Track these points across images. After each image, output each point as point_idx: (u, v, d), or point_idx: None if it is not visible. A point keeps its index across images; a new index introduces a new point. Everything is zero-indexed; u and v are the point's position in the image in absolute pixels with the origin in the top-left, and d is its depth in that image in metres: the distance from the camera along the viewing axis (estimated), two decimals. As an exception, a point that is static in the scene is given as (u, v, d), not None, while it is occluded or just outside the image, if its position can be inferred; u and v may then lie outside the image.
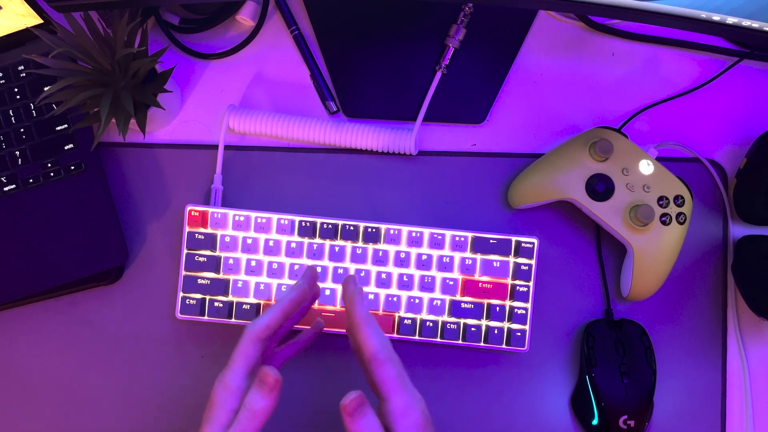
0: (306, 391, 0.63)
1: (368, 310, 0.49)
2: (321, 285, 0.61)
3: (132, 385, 0.63)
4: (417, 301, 0.61)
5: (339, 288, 0.61)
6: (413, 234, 0.61)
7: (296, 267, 0.61)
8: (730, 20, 0.51)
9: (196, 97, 0.67)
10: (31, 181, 0.62)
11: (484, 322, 0.61)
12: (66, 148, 0.63)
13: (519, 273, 0.61)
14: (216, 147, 0.65)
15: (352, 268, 0.61)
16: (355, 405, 0.44)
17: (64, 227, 0.61)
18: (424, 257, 0.61)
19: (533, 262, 0.61)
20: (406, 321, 0.61)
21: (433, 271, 0.61)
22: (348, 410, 0.44)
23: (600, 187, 0.59)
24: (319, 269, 0.61)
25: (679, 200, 0.59)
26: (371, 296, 0.61)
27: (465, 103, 0.66)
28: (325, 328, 0.61)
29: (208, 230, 0.61)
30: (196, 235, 0.61)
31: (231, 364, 0.47)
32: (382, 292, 0.61)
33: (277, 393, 0.45)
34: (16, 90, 0.63)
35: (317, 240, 0.61)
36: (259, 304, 0.61)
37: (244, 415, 0.45)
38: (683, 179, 0.60)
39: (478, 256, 0.61)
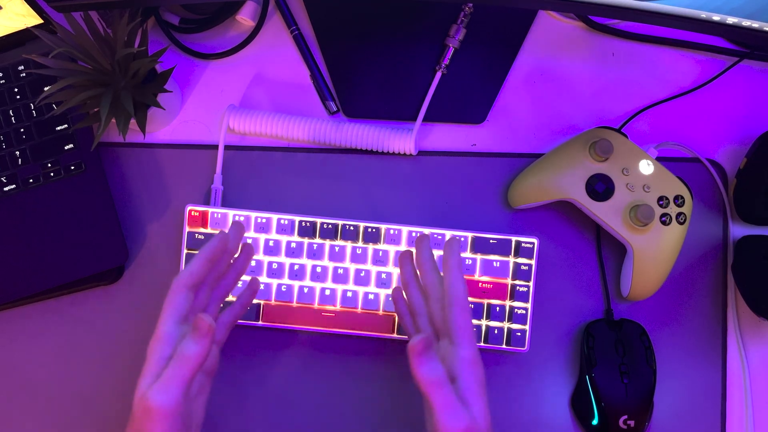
0: (307, 391, 0.63)
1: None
2: (321, 285, 0.61)
3: (132, 385, 0.63)
4: (417, 301, 0.61)
5: (339, 288, 0.61)
6: (413, 234, 0.61)
7: (296, 267, 0.61)
8: (730, 20, 0.51)
9: (196, 97, 0.67)
10: (31, 181, 0.62)
11: (484, 322, 0.61)
12: (66, 148, 0.63)
13: (519, 273, 0.61)
14: (216, 147, 0.65)
15: (352, 268, 0.61)
16: (423, 346, 0.43)
17: (64, 227, 0.61)
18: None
19: (533, 262, 0.61)
20: (406, 321, 0.61)
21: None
22: (416, 350, 0.43)
23: (600, 187, 0.59)
24: (319, 269, 0.61)
25: (679, 200, 0.59)
26: (371, 296, 0.61)
27: (465, 103, 0.66)
28: (325, 328, 0.61)
29: (208, 230, 0.61)
30: (196, 235, 0.61)
31: (160, 316, 0.47)
32: (382, 292, 0.61)
33: (210, 339, 0.45)
34: (16, 90, 0.63)
35: (317, 240, 0.61)
36: (259, 304, 0.61)
37: (175, 361, 0.44)
38: (683, 179, 0.60)
39: (478, 256, 0.61)
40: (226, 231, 0.51)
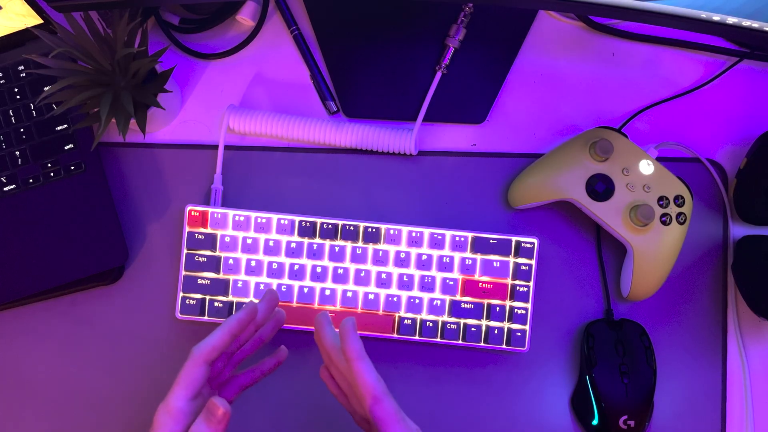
0: (307, 391, 0.62)
1: (361, 345, 0.47)
2: (321, 285, 0.61)
3: (132, 385, 0.63)
4: (417, 301, 0.61)
5: (339, 288, 0.61)
6: (413, 234, 0.61)
7: (296, 267, 0.61)
8: (730, 20, 0.51)
9: (196, 97, 0.67)
10: (31, 181, 0.62)
11: (484, 322, 0.61)
12: (66, 148, 0.63)
13: (519, 273, 0.61)
14: (216, 147, 0.65)
15: (352, 268, 0.61)
16: None
17: (64, 227, 0.61)
18: (424, 257, 0.61)
19: (533, 262, 0.61)
20: (406, 321, 0.61)
21: (433, 271, 0.61)
22: None
23: (600, 187, 0.59)
24: (319, 269, 0.61)
25: (679, 200, 0.59)
26: (371, 296, 0.61)
27: (465, 103, 0.66)
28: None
29: (208, 230, 0.61)
30: (196, 235, 0.61)
31: (174, 387, 0.46)
32: (382, 292, 0.61)
33: (224, 426, 0.44)
34: (16, 90, 0.63)
35: (317, 240, 0.61)
36: (259, 304, 0.61)
37: None
38: (683, 179, 0.60)
39: (478, 256, 0.61)
40: (257, 302, 0.49)
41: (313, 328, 0.61)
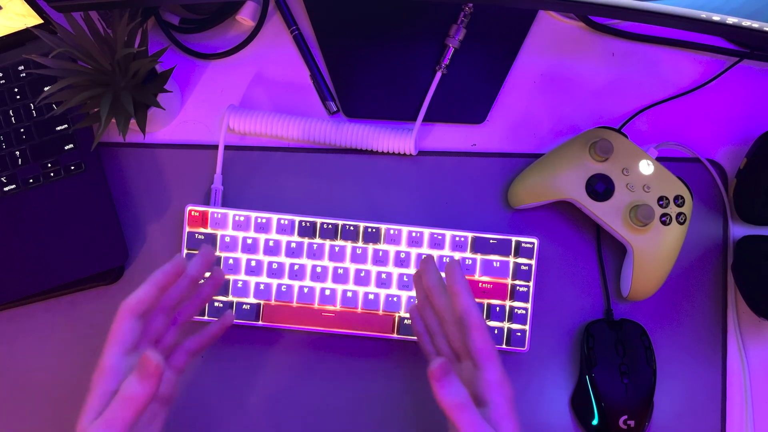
0: (307, 391, 0.63)
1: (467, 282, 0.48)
2: (321, 285, 0.61)
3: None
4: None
5: (339, 288, 0.61)
6: (413, 234, 0.61)
7: (296, 267, 0.61)
8: (730, 20, 0.51)
9: (196, 97, 0.67)
10: (31, 181, 0.62)
11: (484, 322, 0.61)
12: (66, 148, 0.63)
13: (519, 273, 0.61)
14: (216, 147, 0.65)
15: (352, 268, 0.61)
16: (443, 371, 0.43)
17: (64, 227, 0.61)
18: (424, 257, 0.61)
19: (533, 262, 0.61)
20: (406, 321, 0.61)
21: (433, 271, 0.61)
22: (436, 375, 0.43)
23: (600, 187, 0.59)
24: (319, 269, 0.61)
25: (679, 200, 0.59)
26: (371, 296, 0.61)
27: (465, 103, 0.66)
28: (325, 328, 0.61)
29: (208, 230, 0.61)
30: (196, 235, 0.61)
31: (104, 345, 0.44)
32: (382, 292, 0.61)
33: (156, 380, 0.42)
34: (16, 90, 0.63)
35: (317, 240, 0.61)
36: (259, 304, 0.61)
37: (117, 400, 0.42)
38: (683, 179, 0.60)
39: (478, 256, 0.61)
40: (183, 255, 0.48)
41: (313, 328, 0.61)
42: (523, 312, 0.61)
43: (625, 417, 0.59)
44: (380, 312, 0.61)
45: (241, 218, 0.61)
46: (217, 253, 0.61)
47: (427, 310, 0.53)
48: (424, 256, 0.53)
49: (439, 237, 0.61)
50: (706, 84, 0.66)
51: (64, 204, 0.62)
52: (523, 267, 0.61)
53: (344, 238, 0.61)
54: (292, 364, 0.63)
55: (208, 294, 0.53)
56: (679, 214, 0.59)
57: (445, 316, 0.50)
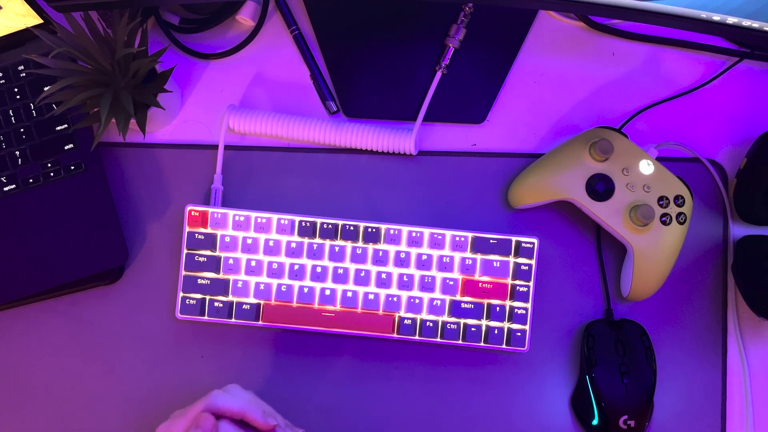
0: (307, 391, 0.63)
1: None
2: (321, 285, 0.61)
3: (132, 385, 0.63)
4: (417, 301, 0.61)
5: (339, 288, 0.61)
6: (413, 234, 0.61)
7: (296, 267, 0.61)
8: (730, 20, 0.52)
9: (196, 97, 0.67)
10: (31, 181, 0.62)
11: (484, 322, 0.61)
12: (66, 148, 0.63)
13: (519, 273, 0.61)
14: (216, 147, 0.65)
15: (352, 268, 0.61)
16: None
17: (64, 227, 0.61)
18: (424, 257, 0.61)
19: (533, 262, 0.61)
20: (406, 321, 0.61)
21: (433, 271, 0.61)
22: None
23: (600, 187, 0.59)
24: (319, 269, 0.61)
25: (679, 200, 0.59)
26: (371, 296, 0.61)
27: (465, 103, 0.66)
28: (325, 328, 0.61)
29: (208, 230, 0.61)
30: (196, 235, 0.61)
31: (178, 419, 0.47)
32: (382, 292, 0.61)
33: None
34: (16, 90, 0.63)
35: (317, 240, 0.61)
36: (259, 304, 0.61)
37: None
38: (683, 179, 0.60)
39: (478, 256, 0.61)
40: (281, 421, 0.51)
41: (313, 328, 0.61)
42: (523, 312, 0.61)
43: (625, 417, 0.59)
44: (380, 312, 0.61)
45: (241, 218, 0.61)
46: (217, 253, 0.61)
47: None
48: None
49: (439, 237, 0.61)
50: (706, 84, 0.66)
51: (64, 204, 0.62)
52: (523, 267, 0.61)
53: (344, 238, 0.61)
54: (291, 364, 0.63)
55: None
56: (679, 214, 0.59)
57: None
